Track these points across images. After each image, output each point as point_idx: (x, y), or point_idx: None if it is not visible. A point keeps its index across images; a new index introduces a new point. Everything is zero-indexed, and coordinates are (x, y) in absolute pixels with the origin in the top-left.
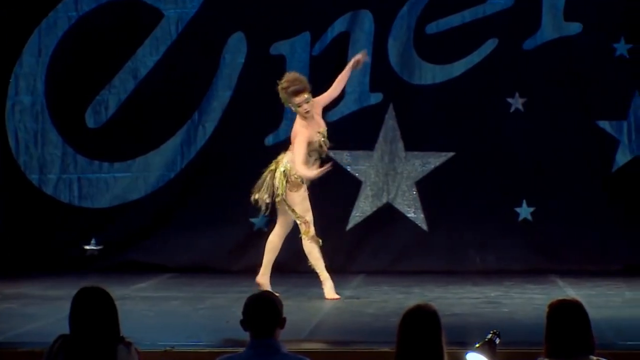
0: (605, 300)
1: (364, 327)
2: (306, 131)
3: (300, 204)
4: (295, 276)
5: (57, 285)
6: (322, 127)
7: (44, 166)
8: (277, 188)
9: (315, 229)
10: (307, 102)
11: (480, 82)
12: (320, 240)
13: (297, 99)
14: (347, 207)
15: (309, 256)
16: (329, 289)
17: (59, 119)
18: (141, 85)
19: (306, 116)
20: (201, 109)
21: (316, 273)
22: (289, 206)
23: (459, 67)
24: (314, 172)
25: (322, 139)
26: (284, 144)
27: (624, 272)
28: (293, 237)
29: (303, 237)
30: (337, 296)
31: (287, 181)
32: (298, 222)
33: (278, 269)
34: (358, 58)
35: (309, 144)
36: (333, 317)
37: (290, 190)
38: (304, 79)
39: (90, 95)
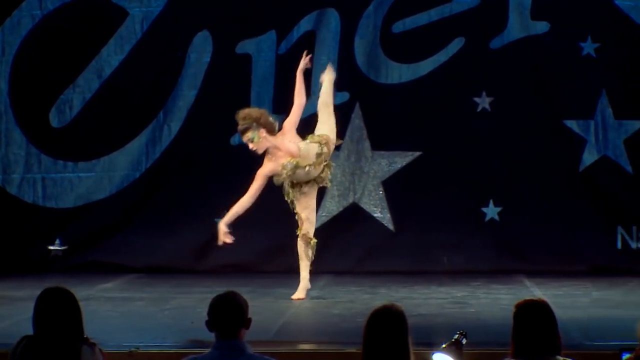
0: (572, 301)
1: (330, 327)
2: (268, 165)
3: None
4: (260, 277)
5: (20, 285)
6: (294, 153)
7: (8, 166)
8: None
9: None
10: (252, 142)
11: (447, 81)
12: (313, 241)
13: (243, 139)
14: None
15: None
16: (299, 288)
17: (22, 118)
18: (106, 85)
19: (258, 153)
20: (166, 108)
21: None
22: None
23: (425, 66)
24: (221, 229)
25: (292, 167)
26: None
27: (591, 272)
28: (257, 238)
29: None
30: (302, 297)
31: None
32: (297, 217)
33: (244, 269)
34: (303, 65)
35: (273, 176)
36: (299, 317)
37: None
38: (252, 115)
39: (55, 95)
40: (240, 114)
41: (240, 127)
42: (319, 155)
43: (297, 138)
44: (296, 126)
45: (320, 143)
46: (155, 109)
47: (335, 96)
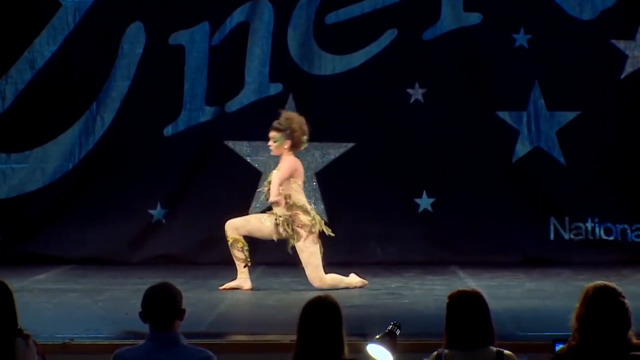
0: (506, 292)
1: (264, 318)
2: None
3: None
4: (194, 268)
5: None
6: (283, 176)
7: None
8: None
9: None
10: (274, 142)
11: (380, 72)
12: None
13: (270, 133)
14: (246, 198)
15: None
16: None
17: None
18: (39, 76)
19: (270, 152)
20: (99, 99)
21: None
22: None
23: (358, 58)
24: None
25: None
26: (183, 135)
27: (524, 263)
28: (192, 229)
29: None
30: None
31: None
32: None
33: (177, 261)
34: None
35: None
36: (233, 308)
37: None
38: (293, 123)
39: None
40: (286, 114)
41: (276, 123)
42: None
43: None
44: None
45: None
46: (89, 100)
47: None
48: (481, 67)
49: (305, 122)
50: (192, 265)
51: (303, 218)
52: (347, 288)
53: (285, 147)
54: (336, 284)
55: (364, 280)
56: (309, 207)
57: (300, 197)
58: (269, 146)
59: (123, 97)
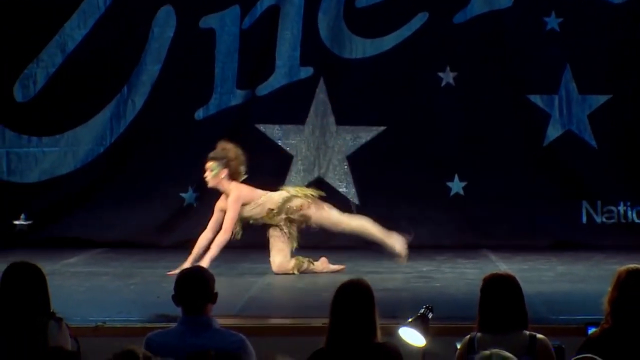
0: (538, 275)
1: (296, 301)
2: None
3: None
4: (225, 251)
5: None
6: (236, 202)
7: None
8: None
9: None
10: (211, 172)
11: (411, 56)
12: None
13: (206, 164)
14: (278, 182)
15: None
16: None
17: None
18: (69, 59)
19: (207, 184)
20: (130, 83)
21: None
22: None
23: (389, 41)
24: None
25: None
26: (214, 118)
27: (555, 247)
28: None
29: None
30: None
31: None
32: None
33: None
34: None
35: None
36: (265, 292)
37: None
38: (229, 153)
39: (18, 70)
40: (221, 144)
41: (211, 154)
42: (271, 214)
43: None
44: None
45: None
46: (119, 83)
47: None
48: (512, 51)
49: (242, 153)
50: (224, 248)
51: (296, 202)
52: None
53: (222, 176)
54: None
55: (334, 267)
56: (286, 192)
57: (271, 197)
58: (205, 177)
59: (154, 81)
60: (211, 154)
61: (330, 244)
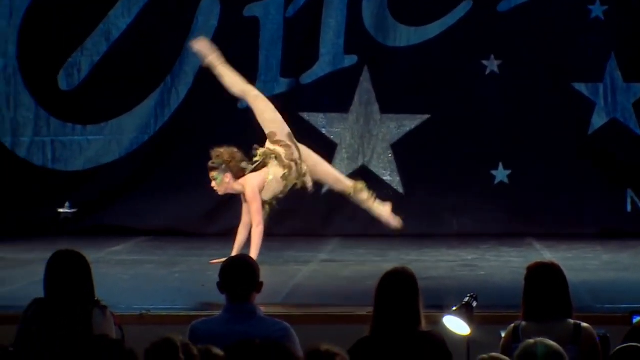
0: (582, 263)
1: (340, 290)
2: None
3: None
4: (269, 240)
5: (30, 248)
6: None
7: (17, 129)
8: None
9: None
10: (215, 181)
11: (456, 44)
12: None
13: (210, 175)
14: None
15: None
16: None
17: (31, 81)
18: (114, 48)
19: (217, 193)
20: (174, 72)
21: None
22: None
23: (433, 29)
24: None
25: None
26: None
27: (600, 235)
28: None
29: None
30: None
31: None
32: None
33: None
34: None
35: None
36: (309, 280)
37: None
38: (223, 156)
39: (63, 58)
40: (214, 152)
41: (209, 164)
42: (285, 177)
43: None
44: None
45: (284, 166)
46: (163, 72)
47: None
48: (557, 39)
49: (237, 150)
50: (268, 237)
51: (289, 151)
52: None
53: (227, 180)
54: None
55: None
56: (272, 151)
57: (271, 167)
58: (213, 187)
59: (197, 70)
60: (209, 165)
61: (373, 232)
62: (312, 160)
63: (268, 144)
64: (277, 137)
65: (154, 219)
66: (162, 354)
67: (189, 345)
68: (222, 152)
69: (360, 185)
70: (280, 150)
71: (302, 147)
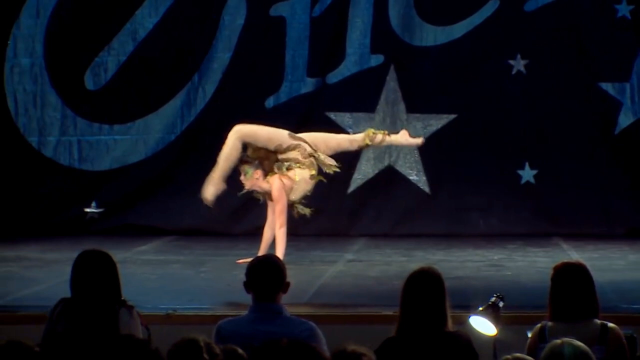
0: (609, 264)
1: (366, 290)
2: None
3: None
4: (296, 239)
5: (56, 248)
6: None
7: (44, 128)
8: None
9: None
10: (245, 175)
11: (482, 43)
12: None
13: (240, 167)
14: (348, 170)
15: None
16: None
17: (58, 81)
18: (140, 47)
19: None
20: (201, 71)
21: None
22: None
23: (460, 29)
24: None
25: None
26: (285, 106)
27: (627, 235)
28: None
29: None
30: None
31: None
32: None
33: None
34: None
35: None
36: (335, 280)
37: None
38: (261, 153)
39: (89, 57)
40: (250, 146)
41: (244, 156)
42: (312, 177)
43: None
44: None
45: (307, 167)
46: (190, 71)
47: None
48: (583, 38)
49: (275, 151)
50: (294, 237)
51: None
52: None
53: (256, 177)
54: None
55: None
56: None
57: (299, 171)
58: (241, 180)
59: (224, 69)
60: (244, 157)
61: (400, 231)
62: (321, 141)
63: (281, 157)
64: (284, 145)
65: (181, 219)
66: (185, 355)
67: (212, 345)
68: (260, 149)
69: (371, 131)
70: (295, 154)
71: (306, 135)
